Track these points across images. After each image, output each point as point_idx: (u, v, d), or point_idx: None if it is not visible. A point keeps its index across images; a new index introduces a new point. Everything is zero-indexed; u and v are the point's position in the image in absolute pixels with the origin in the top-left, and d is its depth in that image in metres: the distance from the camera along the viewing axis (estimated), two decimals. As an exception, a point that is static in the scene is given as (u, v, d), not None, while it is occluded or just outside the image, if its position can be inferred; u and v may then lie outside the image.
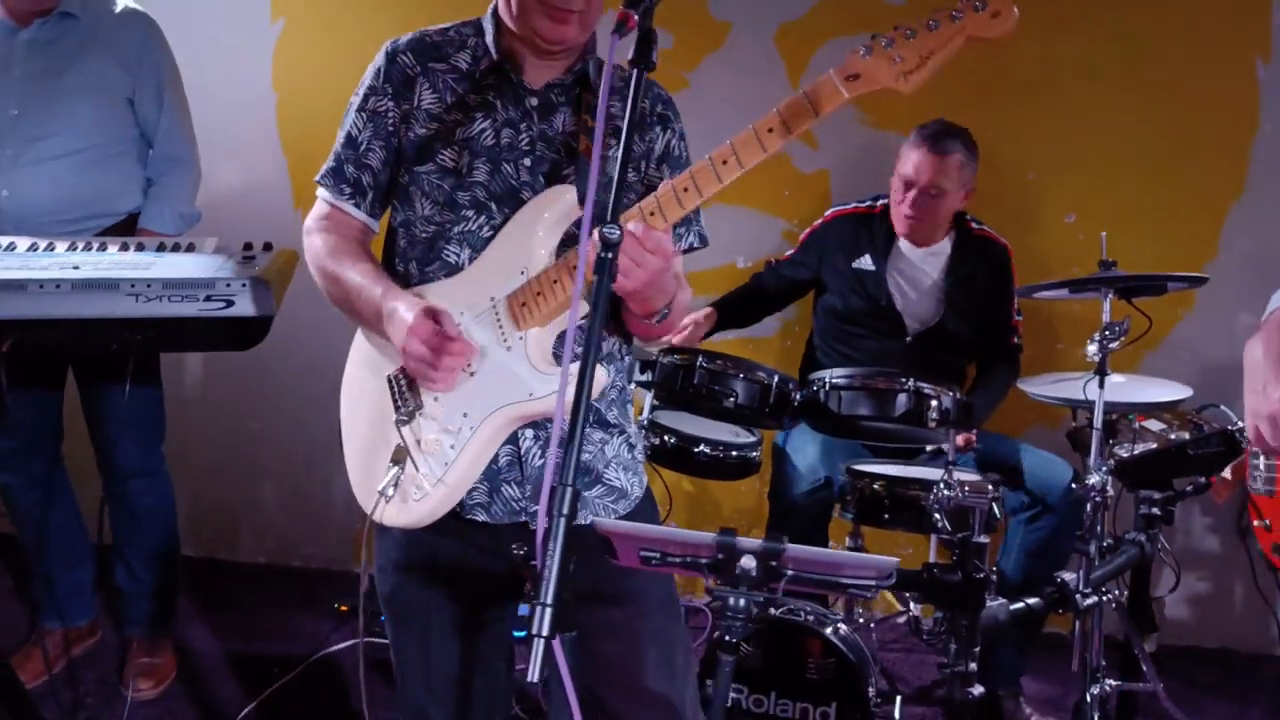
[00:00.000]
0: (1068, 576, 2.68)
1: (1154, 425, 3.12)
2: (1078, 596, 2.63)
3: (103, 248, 2.64)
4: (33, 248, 2.62)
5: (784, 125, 1.57)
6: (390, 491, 1.78)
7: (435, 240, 1.84)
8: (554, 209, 1.78)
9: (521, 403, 1.73)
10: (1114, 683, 2.92)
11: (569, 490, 1.19)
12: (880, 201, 3.42)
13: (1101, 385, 2.57)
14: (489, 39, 1.86)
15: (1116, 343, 2.55)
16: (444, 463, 1.77)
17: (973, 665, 2.42)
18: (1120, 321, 2.56)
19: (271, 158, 3.99)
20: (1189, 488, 3.07)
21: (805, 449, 3.08)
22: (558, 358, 1.78)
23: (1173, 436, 3.08)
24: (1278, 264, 3.57)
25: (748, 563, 1.24)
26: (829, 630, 2.60)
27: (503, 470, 1.83)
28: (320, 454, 4.13)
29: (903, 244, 3.36)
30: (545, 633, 1.13)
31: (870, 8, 3.49)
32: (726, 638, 1.30)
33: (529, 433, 1.82)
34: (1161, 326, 3.84)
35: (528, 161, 1.82)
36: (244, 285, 2.42)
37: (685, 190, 1.63)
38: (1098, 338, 2.57)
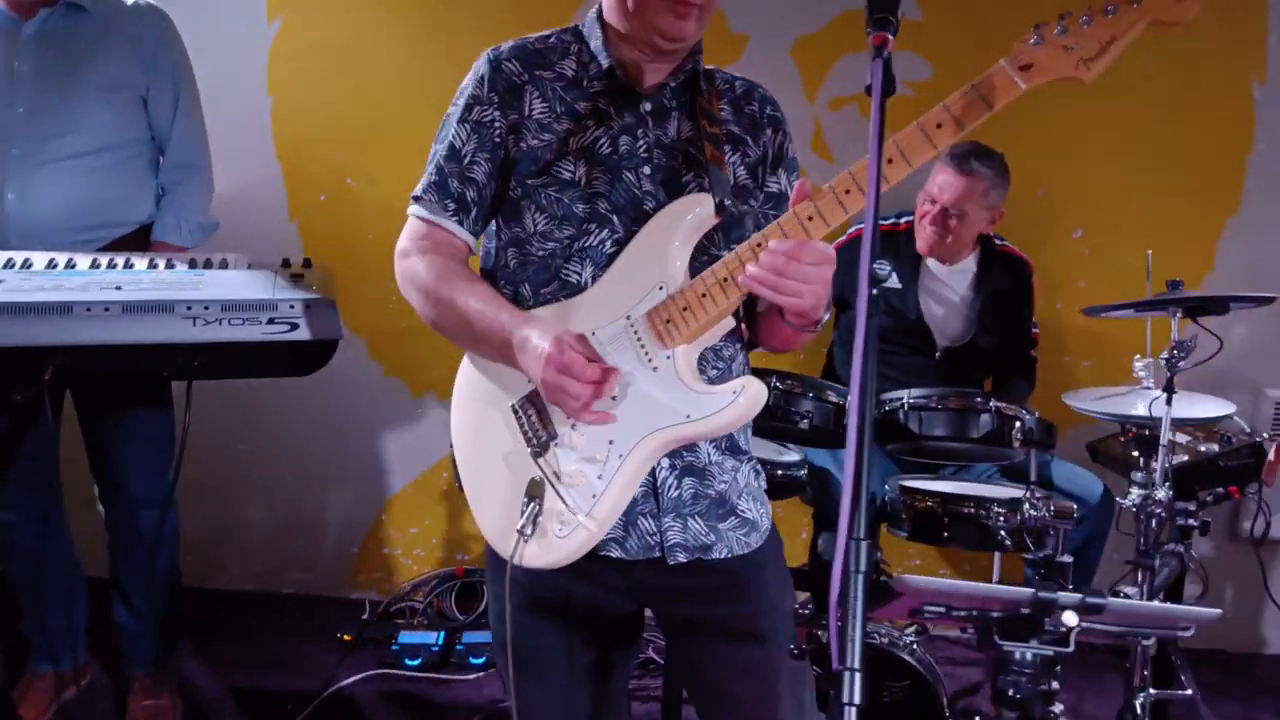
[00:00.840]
0: (1129, 590, 2.70)
1: (1182, 439, 3.19)
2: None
3: (129, 264, 2.46)
4: (52, 264, 2.43)
5: (955, 121, 1.51)
6: (529, 530, 1.68)
7: (552, 258, 1.73)
8: (690, 219, 1.69)
9: (678, 425, 1.63)
10: (1152, 691, 2.96)
11: (863, 544, 1.11)
12: (905, 219, 3.41)
13: (1169, 403, 2.58)
14: (595, 44, 1.77)
15: (1185, 361, 2.57)
16: (590, 495, 1.66)
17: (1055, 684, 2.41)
18: (1189, 339, 2.58)
19: (265, 165, 3.79)
20: (1210, 498, 3.15)
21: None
22: (705, 376, 1.71)
23: (1202, 449, 3.15)
24: (1270, 277, 3.67)
25: (1070, 619, 1.18)
26: (904, 652, 2.57)
27: (637, 502, 1.73)
28: (310, 477, 3.95)
29: (930, 262, 3.36)
30: (858, 701, 1.06)
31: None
32: (1012, 693, 1.24)
33: (664, 461, 1.73)
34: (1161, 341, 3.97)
35: (647, 169, 1.73)
36: (308, 306, 2.28)
37: (847, 192, 1.57)
38: (1166, 356, 2.58)
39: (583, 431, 1.67)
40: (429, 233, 1.79)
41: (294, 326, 2.26)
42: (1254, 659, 3.95)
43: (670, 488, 1.74)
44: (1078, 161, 3.77)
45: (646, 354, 1.66)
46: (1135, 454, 3.04)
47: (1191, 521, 3.03)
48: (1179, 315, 2.67)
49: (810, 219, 1.58)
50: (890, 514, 2.84)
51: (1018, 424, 2.48)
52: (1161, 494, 2.70)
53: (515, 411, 1.72)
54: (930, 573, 3.92)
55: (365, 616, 3.76)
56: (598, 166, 1.72)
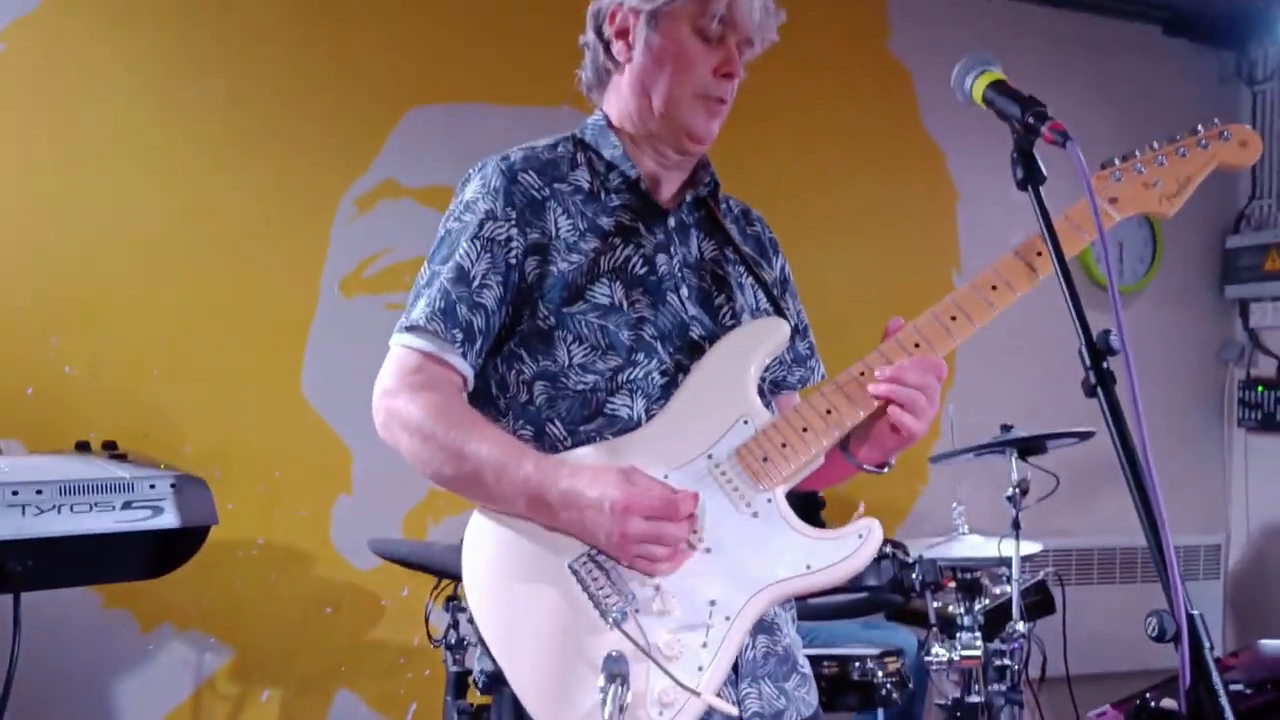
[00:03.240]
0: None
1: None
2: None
3: None
4: None
5: (1040, 257, 1.51)
6: (617, 718, 1.37)
7: (594, 392, 1.53)
8: (768, 346, 1.57)
9: (798, 578, 1.43)
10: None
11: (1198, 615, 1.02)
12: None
13: (1017, 541, 2.73)
14: (613, 153, 1.63)
15: (1025, 499, 2.74)
16: (697, 667, 1.39)
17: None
18: (1023, 480, 2.77)
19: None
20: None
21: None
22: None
23: (998, 590, 3.35)
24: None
25: None
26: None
27: None
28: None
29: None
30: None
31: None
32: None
33: None
34: (905, 497, 4.25)
35: (684, 291, 1.60)
36: (174, 486, 1.82)
37: (954, 319, 1.52)
38: (1010, 495, 2.74)
39: (674, 592, 1.42)
40: (424, 366, 1.53)
41: (158, 511, 1.78)
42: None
43: (747, 649, 1.53)
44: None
45: (742, 497, 1.47)
46: (947, 605, 3.16)
47: (1007, 661, 3.18)
48: (1014, 456, 2.87)
49: (918, 345, 1.51)
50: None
51: (915, 568, 2.49)
52: (1022, 626, 2.81)
53: (575, 573, 1.44)
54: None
55: None
56: (636, 288, 1.57)
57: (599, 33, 1.64)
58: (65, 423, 3.12)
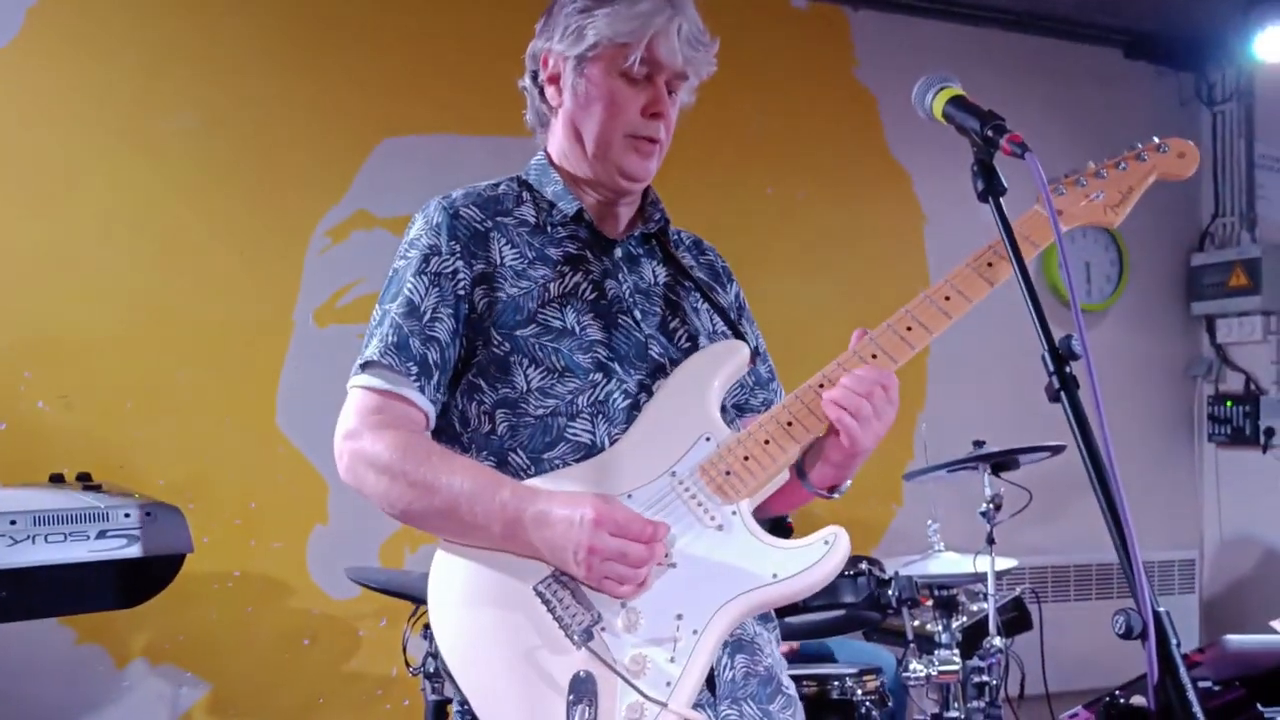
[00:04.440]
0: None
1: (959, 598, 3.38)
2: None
3: None
4: None
5: (1003, 259, 1.54)
6: (586, 738, 1.37)
7: (554, 416, 1.54)
8: (728, 367, 1.59)
9: (764, 587, 1.42)
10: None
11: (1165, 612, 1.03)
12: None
13: (992, 557, 2.75)
14: (555, 189, 1.66)
15: (999, 514, 2.76)
16: (665, 682, 1.38)
17: None
18: (996, 495, 2.79)
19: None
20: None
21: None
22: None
23: (974, 607, 3.36)
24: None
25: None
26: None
27: None
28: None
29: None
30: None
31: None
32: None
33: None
34: (881, 516, 4.28)
35: (637, 314, 1.62)
36: (148, 514, 1.81)
37: (909, 329, 1.54)
38: (984, 510, 2.77)
39: (641, 608, 1.43)
40: (384, 405, 1.53)
41: (132, 540, 1.78)
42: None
43: (724, 668, 1.53)
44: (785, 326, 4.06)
45: (707, 512, 1.47)
46: (924, 622, 3.17)
47: (985, 677, 3.19)
48: (987, 471, 2.89)
49: (875, 356, 1.52)
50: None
51: (892, 585, 2.51)
52: (999, 641, 2.82)
53: (540, 596, 1.44)
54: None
55: None
56: (587, 314, 1.59)
57: (534, 77, 1.68)
58: (39, 458, 3.09)
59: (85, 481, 1.94)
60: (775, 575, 1.43)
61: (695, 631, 1.41)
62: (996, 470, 2.89)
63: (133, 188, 3.34)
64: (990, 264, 1.55)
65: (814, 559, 1.43)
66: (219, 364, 3.38)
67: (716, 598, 1.42)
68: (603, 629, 1.41)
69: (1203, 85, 4.92)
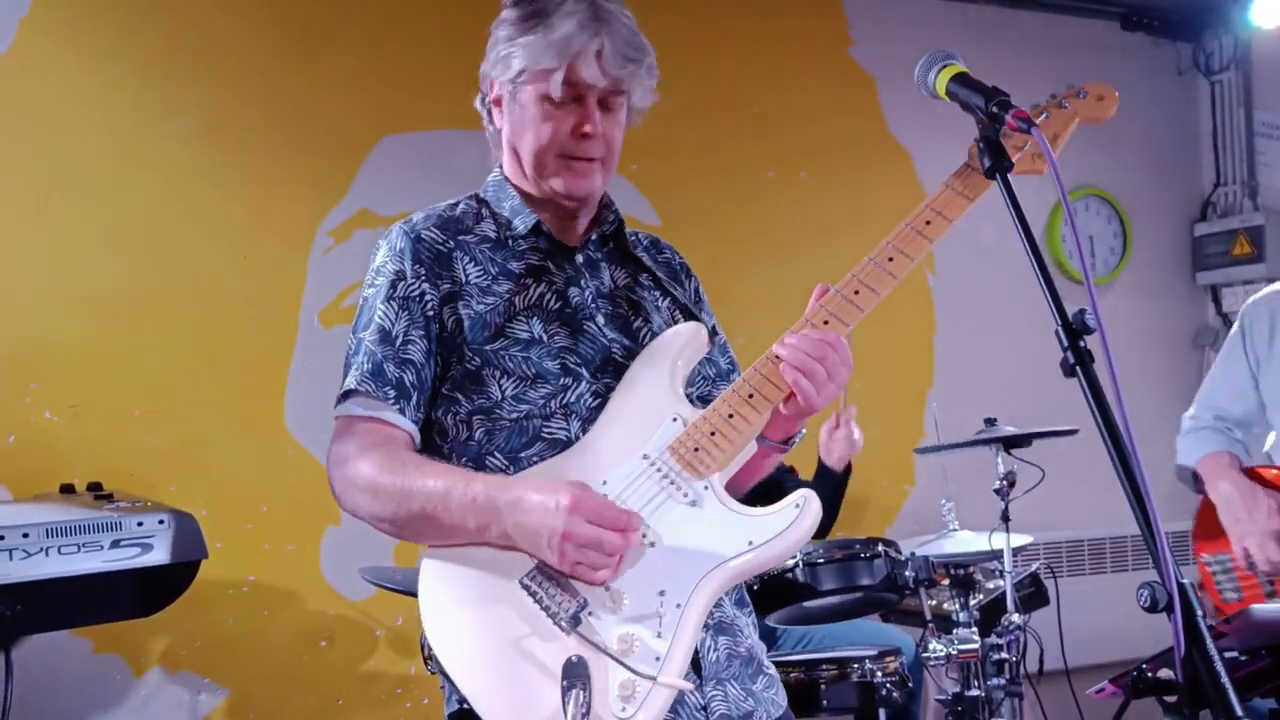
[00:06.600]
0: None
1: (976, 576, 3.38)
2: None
3: None
4: None
5: (941, 215, 1.62)
6: (581, 720, 1.38)
7: (529, 419, 1.59)
8: (688, 348, 1.62)
9: (742, 556, 1.46)
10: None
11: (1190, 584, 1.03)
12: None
13: (1007, 534, 2.74)
14: (512, 204, 1.70)
15: (1013, 491, 2.76)
16: (654, 658, 1.42)
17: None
18: (1010, 472, 2.79)
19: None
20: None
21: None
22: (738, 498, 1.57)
23: (991, 585, 3.36)
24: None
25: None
26: None
27: None
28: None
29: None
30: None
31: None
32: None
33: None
34: (894, 498, 4.28)
35: (600, 319, 1.67)
36: (162, 522, 1.81)
37: (856, 293, 1.58)
38: (998, 488, 2.76)
39: (624, 589, 1.46)
40: (367, 429, 1.58)
41: (146, 548, 1.77)
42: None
43: (709, 650, 1.58)
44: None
45: (680, 489, 1.51)
46: (942, 602, 3.17)
47: (1005, 655, 3.19)
48: (999, 449, 2.89)
49: (826, 322, 1.56)
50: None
51: (908, 566, 2.50)
52: (1019, 618, 2.82)
53: (526, 588, 1.47)
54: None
55: None
56: (553, 322, 1.64)
57: (483, 99, 1.73)
58: (49, 468, 3.09)
59: (96, 491, 1.94)
60: (751, 543, 1.47)
61: (679, 605, 1.45)
62: (1009, 447, 2.89)
63: (133, 193, 3.34)
64: (929, 221, 1.61)
65: (787, 522, 1.47)
66: (226, 368, 3.38)
67: (697, 570, 1.46)
68: (590, 613, 1.45)
69: (1200, 55, 4.91)
